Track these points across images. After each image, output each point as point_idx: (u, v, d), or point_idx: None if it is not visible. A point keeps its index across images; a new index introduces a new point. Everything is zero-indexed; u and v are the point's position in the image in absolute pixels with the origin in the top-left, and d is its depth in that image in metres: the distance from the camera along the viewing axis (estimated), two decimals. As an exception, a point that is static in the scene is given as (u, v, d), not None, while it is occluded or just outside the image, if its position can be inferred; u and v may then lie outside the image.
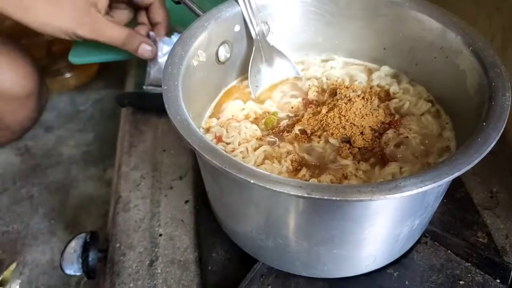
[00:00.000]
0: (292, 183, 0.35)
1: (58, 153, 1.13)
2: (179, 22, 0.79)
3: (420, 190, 0.35)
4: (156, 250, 0.59)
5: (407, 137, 0.51)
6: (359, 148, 0.49)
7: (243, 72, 0.61)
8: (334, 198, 0.34)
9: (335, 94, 0.55)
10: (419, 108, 0.55)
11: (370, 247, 0.47)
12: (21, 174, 1.08)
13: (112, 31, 0.70)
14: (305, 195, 0.34)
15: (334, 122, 0.50)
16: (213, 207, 0.57)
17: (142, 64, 0.84)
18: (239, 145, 0.51)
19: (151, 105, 0.80)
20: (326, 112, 0.51)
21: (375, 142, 0.50)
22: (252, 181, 0.35)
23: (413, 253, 0.55)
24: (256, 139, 0.52)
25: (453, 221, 0.60)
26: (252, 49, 0.58)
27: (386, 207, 0.42)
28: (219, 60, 0.57)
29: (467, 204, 0.62)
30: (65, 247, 0.59)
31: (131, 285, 0.56)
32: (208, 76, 0.55)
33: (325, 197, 0.34)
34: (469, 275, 0.54)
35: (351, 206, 0.40)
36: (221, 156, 0.38)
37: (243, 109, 0.57)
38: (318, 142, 0.50)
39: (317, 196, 0.34)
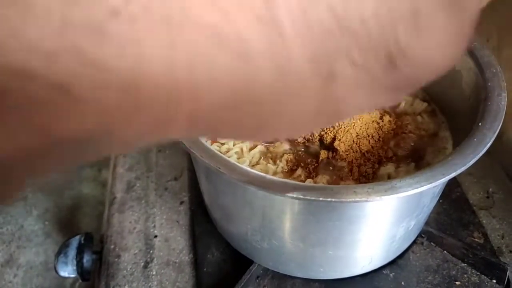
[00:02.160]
0: (287, 184, 0.35)
1: (52, 154, 1.13)
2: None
3: (416, 190, 0.34)
4: (151, 251, 0.59)
5: (403, 137, 0.51)
6: (354, 149, 0.49)
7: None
8: (329, 199, 0.34)
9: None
10: (415, 108, 0.55)
11: (366, 248, 0.46)
12: (15, 175, 1.08)
13: None
14: (300, 196, 0.34)
15: (330, 123, 0.50)
16: (208, 208, 0.57)
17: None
18: (234, 145, 0.51)
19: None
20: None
21: (371, 142, 0.50)
22: (246, 183, 0.35)
23: (409, 253, 0.55)
24: (252, 139, 0.52)
25: (449, 222, 0.60)
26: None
27: (382, 208, 0.41)
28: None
29: (463, 204, 0.62)
30: (60, 248, 0.58)
31: (126, 287, 0.55)
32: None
33: (321, 199, 0.34)
34: (465, 275, 0.54)
35: (347, 207, 0.39)
36: (215, 156, 0.37)
37: (238, 109, 0.56)
38: (314, 143, 0.50)
39: (312, 198, 0.34)
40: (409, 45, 0.14)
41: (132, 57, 0.11)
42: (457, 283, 0.53)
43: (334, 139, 0.49)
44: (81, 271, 0.57)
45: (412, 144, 0.50)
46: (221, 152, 0.49)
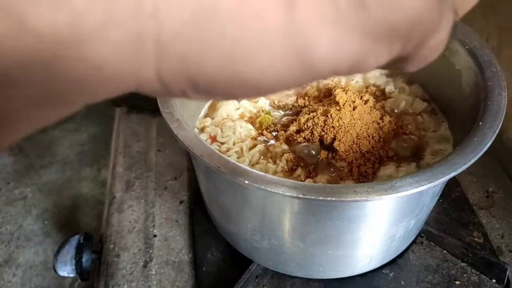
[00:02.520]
0: (287, 184, 0.35)
1: (52, 153, 1.13)
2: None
3: (416, 190, 0.34)
4: (150, 251, 0.59)
5: (403, 136, 0.51)
6: (354, 149, 0.49)
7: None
8: (329, 198, 0.34)
9: (331, 94, 0.55)
10: (415, 107, 0.55)
11: (366, 248, 0.46)
12: (15, 174, 1.07)
13: None
14: (300, 195, 0.34)
15: (329, 123, 0.49)
16: (207, 207, 0.57)
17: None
18: (234, 144, 0.51)
19: (146, 105, 0.79)
20: (321, 112, 0.51)
21: (371, 142, 0.50)
22: (246, 182, 0.35)
23: (409, 253, 0.55)
24: (251, 138, 0.52)
25: (449, 221, 0.60)
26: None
27: (382, 208, 0.41)
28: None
29: (463, 203, 0.62)
30: (59, 248, 0.58)
31: (125, 286, 0.55)
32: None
33: (320, 198, 0.34)
34: (465, 275, 0.54)
35: (346, 207, 0.39)
36: (215, 156, 0.37)
37: (238, 108, 0.56)
38: (313, 143, 0.50)
39: (312, 197, 0.34)
40: None
41: None
42: (457, 282, 0.53)
43: (334, 139, 0.49)
44: (80, 271, 0.57)
45: (412, 144, 0.50)
46: (221, 152, 0.49)
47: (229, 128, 0.52)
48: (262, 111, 0.56)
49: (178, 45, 0.13)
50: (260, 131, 0.53)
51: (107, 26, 0.12)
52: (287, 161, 0.48)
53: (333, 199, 0.34)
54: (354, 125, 0.49)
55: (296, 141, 0.50)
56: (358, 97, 0.52)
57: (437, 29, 0.16)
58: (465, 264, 0.54)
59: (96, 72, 0.13)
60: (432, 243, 0.56)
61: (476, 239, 0.58)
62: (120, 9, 0.12)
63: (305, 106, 0.55)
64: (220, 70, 0.14)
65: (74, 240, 0.59)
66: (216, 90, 0.15)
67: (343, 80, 0.59)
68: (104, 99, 0.15)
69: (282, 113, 0.56)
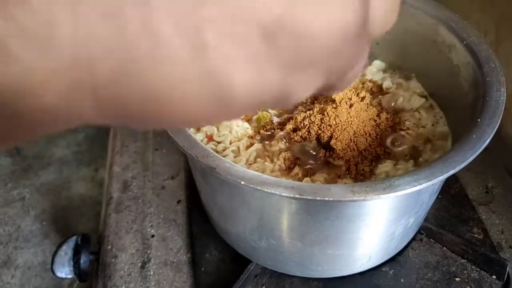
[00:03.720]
0: (283, 184, 0.34)
1: (49, 154, 1.12)
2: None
3: (414, 189, 0.34)
4: (148, 251, 0.59)
5: (401, 133, 0.50)
6: (351, 147, 0.48)
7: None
8: (326, 198, 0.33)
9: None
10: (412, 104, 0.54)
11: (365, 246, 0.46)
12: (12, 175, 1.07)
13: None
14: (297, 196, 0.33)
15: (326, 121, 0.49)
16: (205, 207, 0.57)
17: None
18: (230, 143, 0.50)
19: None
20: (318, 111, 0.51)
21: (368, 140, 0.49)
22: (242, 183, 0.34)
23: (408, 250, 0.55)
24: (248, 137, 0.51)
25: (448, 217, 0.59)
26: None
27: (380, 206, 0.41)
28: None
29: (462, 200, 0.61)
30: (57, 249, 0.58)
31: (123, 287, 0.55)
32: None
33: (318, 198, 0.33)
34: (465, 271, 0.53)
35: (344, 206, 0.39)
36: (211, 156, 0.37)
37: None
38: (311, 141, 0.49)
39: (309, 197, 0.33)
40: (286, 16, 0.14)
41: (44, 26, 0.13)
42: (457, 279, 0.53)
43: (331, 137, 0.48)
44: (78, 272, 0.57)
45: (410, 140, 0.50)
46: (217, 151, 0.48)
47: (226, 127, 0.52)
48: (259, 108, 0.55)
49: (109, 90, 0.14)
50: (258, 130, 0.53)
51: (51, 78, 0.13)
52: (284, 159, 0.48)
53: (331, 199, 0.33)
54: (351, 123, 0.48)
55: (293, 139, 0.50)
56: (354, 94, 0.52)
57: (356, 62, 0.17)
58: (465, 260, 0.54)
59: (44, 114, 0.14)
60: (431, 240, 0.56)
61: (476, 235, 0.57)
62: (61, 64, 0.13)
63: (301, 104, 0.55)
64: (144, 110, 0.15)
65: (71, 241, 0.58)
66: (150, 126, 0.17)
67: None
68: (59, 130, 0.16)
69: (279, 111, 0.55)
